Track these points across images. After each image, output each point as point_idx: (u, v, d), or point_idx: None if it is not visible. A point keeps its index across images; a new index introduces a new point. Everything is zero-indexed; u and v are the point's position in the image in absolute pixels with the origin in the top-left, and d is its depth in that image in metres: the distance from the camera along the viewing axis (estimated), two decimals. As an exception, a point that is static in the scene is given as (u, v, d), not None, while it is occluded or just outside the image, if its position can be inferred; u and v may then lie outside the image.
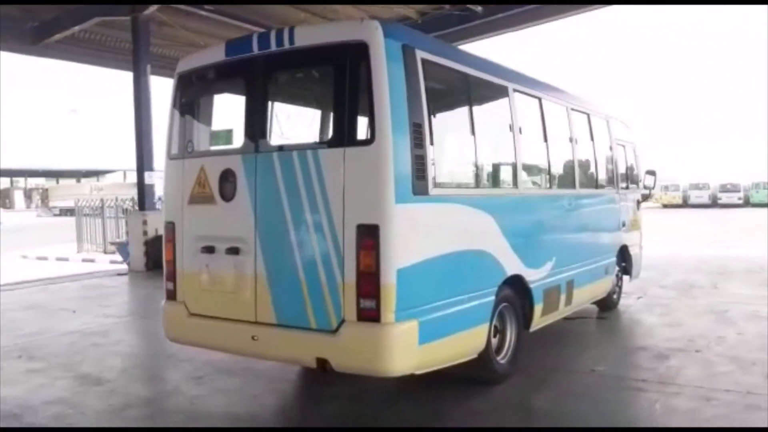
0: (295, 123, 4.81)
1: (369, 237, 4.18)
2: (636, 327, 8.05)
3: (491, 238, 5.31)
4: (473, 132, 5.30)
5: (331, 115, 4.65)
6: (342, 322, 4.33)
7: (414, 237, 4.37)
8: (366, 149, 4.28)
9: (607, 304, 8.64)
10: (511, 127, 5.81)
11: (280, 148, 4.70)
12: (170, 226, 5.27)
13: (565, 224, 6.87)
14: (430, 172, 4.53)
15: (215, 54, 5.10)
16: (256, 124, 4.84)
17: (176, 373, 6.13)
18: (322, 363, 4.43)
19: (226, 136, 5.18)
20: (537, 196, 6.60)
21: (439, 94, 5.11)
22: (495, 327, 5.59)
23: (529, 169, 6.38)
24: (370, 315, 4.21)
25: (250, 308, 4.76)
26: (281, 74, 5.00)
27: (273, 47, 4.73)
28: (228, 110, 5.18)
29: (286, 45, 4.66)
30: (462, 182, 5.47)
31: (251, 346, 4.78)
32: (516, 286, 5.81)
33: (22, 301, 10.24)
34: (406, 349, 4.32)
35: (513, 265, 5.65)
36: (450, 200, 4.86)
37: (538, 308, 6.14)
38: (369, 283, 4.20)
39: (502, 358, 5.71)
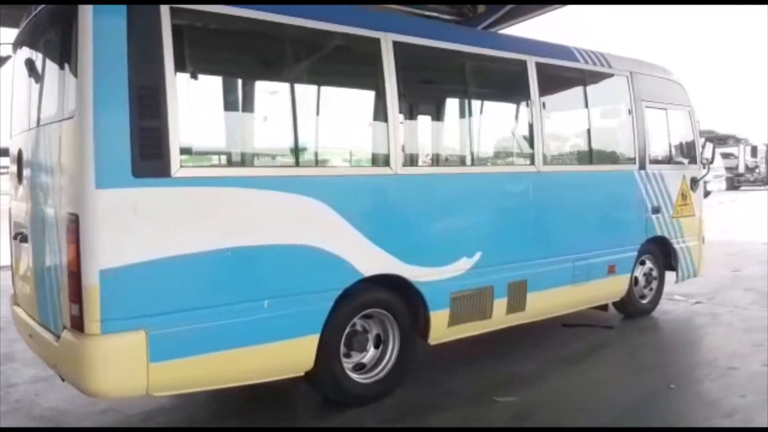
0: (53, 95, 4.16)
1: (71, 229, 3.45)
2: (641, 349, 6.18)
3: (320, 230, 4.24)
4: (283, 95, 4.28)
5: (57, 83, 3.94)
6: (64, 328, 3.66)
7: (136, 230, 3.52)
8: (69, 123, 3.54)
9: (628, 309, 6.89)
10: (366, 83, 4.68)
11: (38, 123, 4.11)
12: (8, 211, 4.96)
13: (504, 210, 5.44)
14: (175, 146, 3.64)
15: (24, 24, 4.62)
16: (33, 97, 4.29)
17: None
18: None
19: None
20: (431, 175, 5.26)
21: (207, 47, 4.20)
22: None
23: (416, 141, 5.12)
24: (77, 323, 3.49)
25: (31, 301, 4.29)
26: (38, 43, 4.37)
27: (32, 15, 4.17)
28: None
29: (36, 12, 4.09)
30: (250, 158, 4.56)
31: (32, 344, 4.30)
32: (397, 288, 4.68)
33: None
34: (122, 366, 3.53)
35: (377, 263, 4.52)
36: (219, 182, 3.90)
37: (439, 316, 4.92)
38: (73, 284, 3.48)
39: (369, 377, 4.64)
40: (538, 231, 5.65)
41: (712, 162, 7.30)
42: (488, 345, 5.68)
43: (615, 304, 6.84)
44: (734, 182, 33.51)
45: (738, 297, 7.89)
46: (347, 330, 4.49)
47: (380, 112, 4.67)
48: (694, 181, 7.32)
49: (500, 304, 5.36)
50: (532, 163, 5.61)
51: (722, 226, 15.26)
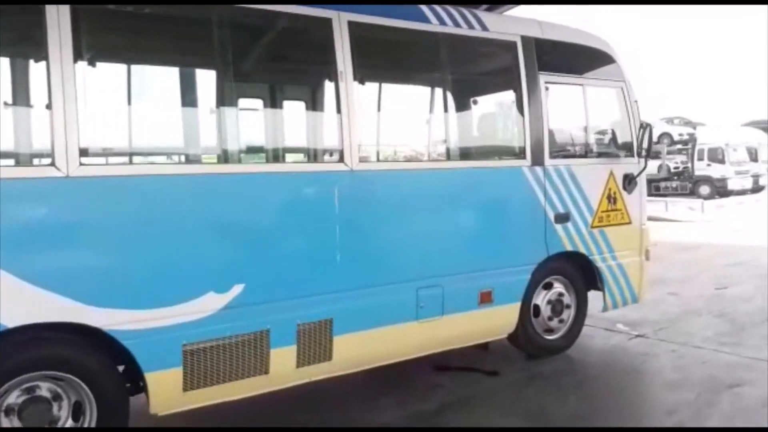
0: None
1: None
2: (516, 408, 4.55)
3: None
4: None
5: None
6: None
7: None
8: None
9: (527, 348, 5.27)
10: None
11: None
12: None
13: (289, 224, 3.95)
14: None
15: None
16: None
17: None
18: None
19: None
20: (131, 178, 3.55)
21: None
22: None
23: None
24: None
25: None
26: None
27: None
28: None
29: None
30: None
31: None
32: (80, 340, 3.32)
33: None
34: None
35: (33, 307, 3.14)
36: None
37: (163, 378, 3.52)
38: None
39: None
40: (352, 251, 4.13)
41: (648, 153, 5.51)
42: (330, 386, 4.32)
43: (511, 339, 5.23)
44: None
45: (698, 328, 6.09)
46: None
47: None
48: (629, 179, 5.57)
49: (284, 355, 3.89)
50: (341, 159, 4.08)
51: (736, 228, 13.21)
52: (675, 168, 27.25)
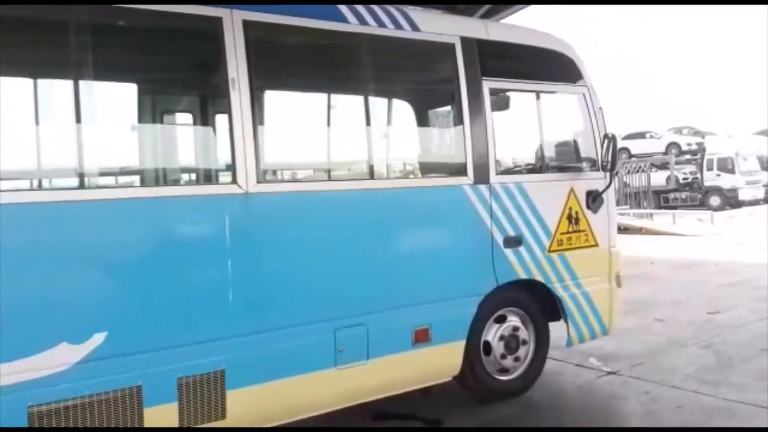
0: None
1: None
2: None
3: None
4: None
5: None
6: None
7: None
8: None
9: (477, 391, 4.63)
10: None
11: None
12: None
13: (162, 259, 3.36)
14: None
15: None
16: None
17: None
18: None
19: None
20: None
21: None
22: None
23: None
24: None
25: None
26: None
27: None
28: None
29: None
30: None
31: None
32: None
33: None
34: None
35: None
36: None
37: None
38: None
39: None
40: (249, 288, 3.54)
41: (613, 167, 4.88)
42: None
43: (460, 380, 4.59)
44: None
45: (680, 363, 5.40)
46: None
47: None
48: (593, 196, 4.95)
49: (162, 414, 3.30)
50: (234, 180, 3.50)
51: (740, 242, 12.48)
52: (684, 179, 26.44)
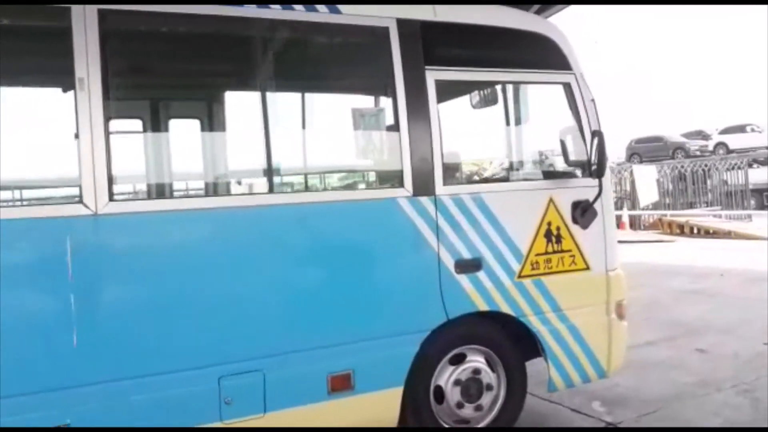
0: None
1: None
2: None
3: None
4: None
5: None
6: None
7: None
8: None
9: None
10: None
11: None
12: None
13: None
14: None
15: None
16: None
17: None
18: None
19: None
20: None
21: None
22: None
23: None
24: None
25: None
26: None
27: None
28: None
29: None
30: None
31: None
32: None
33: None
34: None
35: None
36: None
37: None
38: None
39: None
40: (100, 329, 2.94)
41: (601, 171, 3.91)
42: None
43: (410, 434, 3.81)
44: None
45: (703, 413, 4.37)
46: None
47: None
48: (582, 208, 4.02)
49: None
50: (80, 199, 2.90)
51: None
52: None
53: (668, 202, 22.54)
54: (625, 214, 19.72)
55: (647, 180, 22.40)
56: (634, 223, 20.57)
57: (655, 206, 21.83)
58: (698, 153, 28.52)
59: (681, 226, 18.14)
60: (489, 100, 4.06)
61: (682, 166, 23.05)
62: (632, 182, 22.35)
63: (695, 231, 17.69)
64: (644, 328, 6.79)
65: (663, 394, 4.76)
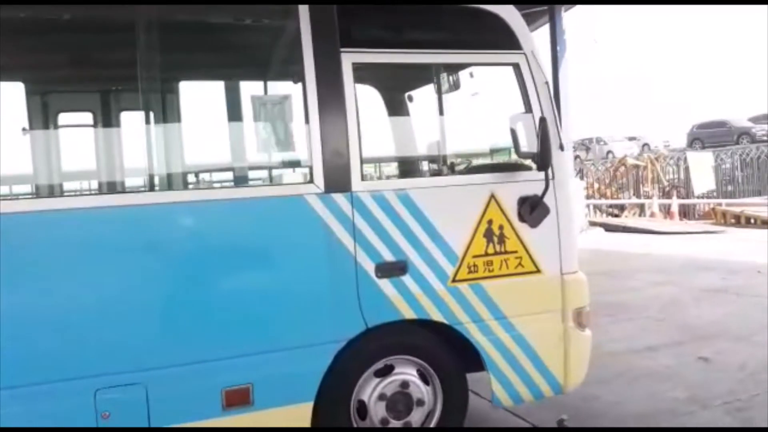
0: None
1: None
2: None
3: None
4: None
5: None
6: None
7: None
8: None
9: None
10: None
11: None
12: None
13: None
14: None
15: None
16: None
17: None
18: None
19: None
20: None
21: None
22: None
23: None
24: None
25: None
26: None
27: None
28: None
29: None
30: None
31: None
32: None
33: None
34: None
35: None
36: None
37: None
38: None
39: None
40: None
41: (545, 162, 3.42)
42: None
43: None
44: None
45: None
46: None
47: None
48: (530, 204, 3.58)
49: None
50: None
51: None
52: None
53: (731, 189, 21.24)
54: (675, 203, 18.65)
55: (703, 167, 21.15)
56: (688, 213, 19.44)
57: (714, 194, 20.61)
58: (765, 138, 26.87)
59: (736, 216, 16.97)
60: (422, 85, 3.66)
61: (747, 152, 21.65)
62: (686, 169, 21.16)
63: (751, 221, 16.51)
64: (652, 331, 6.25)
65: (643, 410, 4.26)
